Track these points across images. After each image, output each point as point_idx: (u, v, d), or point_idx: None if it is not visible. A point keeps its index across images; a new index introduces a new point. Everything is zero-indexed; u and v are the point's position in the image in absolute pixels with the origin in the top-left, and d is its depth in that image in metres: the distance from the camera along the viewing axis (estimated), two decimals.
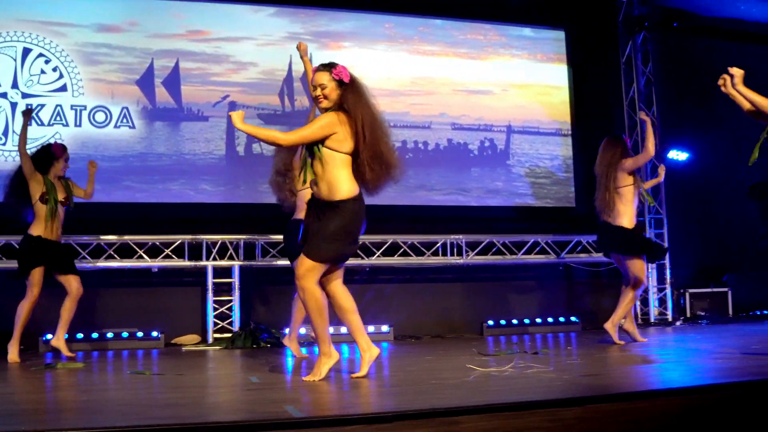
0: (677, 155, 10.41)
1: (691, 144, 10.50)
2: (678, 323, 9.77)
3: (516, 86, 10.35)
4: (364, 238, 8.44)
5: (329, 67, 4.77)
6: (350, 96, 4.67)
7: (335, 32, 9.66)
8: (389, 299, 8.85)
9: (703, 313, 9.98)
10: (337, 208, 4.54)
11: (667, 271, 10.13)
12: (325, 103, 4.71)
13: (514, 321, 9.30)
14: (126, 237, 8.16)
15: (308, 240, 4.59)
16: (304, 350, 6.66)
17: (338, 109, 4.65)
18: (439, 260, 9.18)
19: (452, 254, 9.19)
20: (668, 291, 10.10)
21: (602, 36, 10.75)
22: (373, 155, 4.64)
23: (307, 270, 4.52)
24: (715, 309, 10.08)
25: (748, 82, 11.65)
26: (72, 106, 8.49)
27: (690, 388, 3.71)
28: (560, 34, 10.65)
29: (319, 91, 4.71)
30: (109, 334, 7.95)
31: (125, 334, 7.99)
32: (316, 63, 9.37)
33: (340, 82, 4.70)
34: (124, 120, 8.66)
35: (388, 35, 9.90)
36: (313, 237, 4.57)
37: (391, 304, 8.80)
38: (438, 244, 9.13)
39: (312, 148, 4.62)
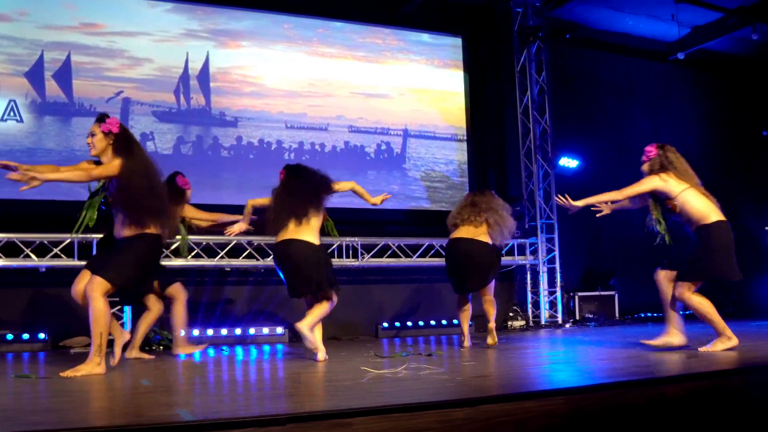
0: (568, 162, 10.71)
1: (581, 151, 10.82)
2: (567, 325, 10.06)
3: (413, 91, 10.48)
4: (260, 240, 8.39)
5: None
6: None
7: (233, 31, 9.58)
8: (283, 301, 8.80)
9: (591, 316, 10.31)
10: None
11: (558, 275, 10.42)
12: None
13: (409, 323, 9.40)
14: (12, 235, 7.84)
15: None
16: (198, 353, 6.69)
17: None
18: (334, 262, 9.15)
19: (347, 256, 9.22)
20: (558, 294, 10.39)
21: (498, 44, 11.01)
22: None
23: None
24: (602, 311, 10.43)
25: (632, 94, 12.12)
26: None
27: (574, 389, 3.83)
28: (458, 41, 10.85)
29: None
30: None
31: (10, 336, 7.70)
32: (213, 61, 9.34)
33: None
34: (11, 113, 8.36)
35: (287, 36, 9.87)
36: None
37: (285, 305, 8.76)
38: (333, 246, 9.14)
39: None
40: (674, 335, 5.82)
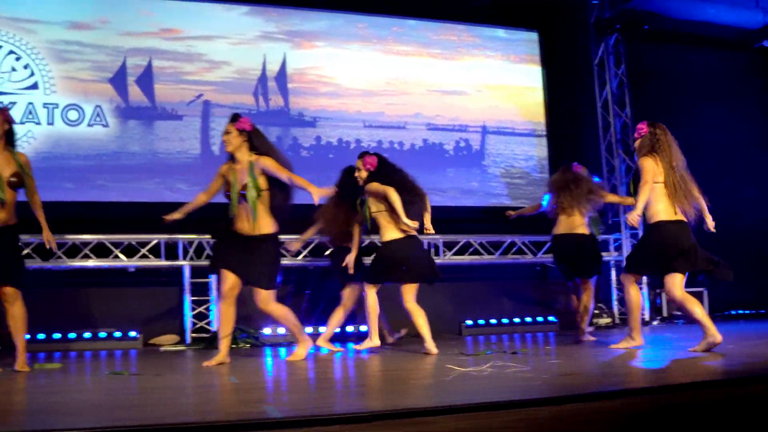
0: None
1: None
2: (655, 323, 9.85)
3: (490, 87, 10.39)
4: None
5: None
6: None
7: (308, 31, 9.65)
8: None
9: (679, 313, 10.02)
10: None
11: None
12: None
13: (493, 321, 9.34)
14: (102, 236, 8.07)
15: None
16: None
17: None
18: None
19: None
20: (645, 291, 10.16)
21: (575, 38, 10.82)
22: None
23: None
24: None
25: (712, 86, 11.65)
26: (44, 104, 8.40)
27: (659, 388, 3.74)
28: (533, 36, 10.71)
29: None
30: (87, 335, 7.89)
31: (103, 335, 7.92)
32: (290, 62, 9.41)
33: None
34: (98, 118, 8.59)
35: (362, 35, 9.90)
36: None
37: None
38: None
39: None
40: (712, 334, 5.63)
